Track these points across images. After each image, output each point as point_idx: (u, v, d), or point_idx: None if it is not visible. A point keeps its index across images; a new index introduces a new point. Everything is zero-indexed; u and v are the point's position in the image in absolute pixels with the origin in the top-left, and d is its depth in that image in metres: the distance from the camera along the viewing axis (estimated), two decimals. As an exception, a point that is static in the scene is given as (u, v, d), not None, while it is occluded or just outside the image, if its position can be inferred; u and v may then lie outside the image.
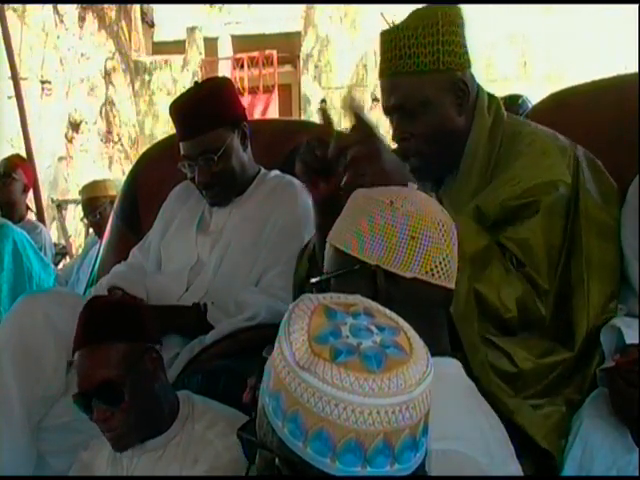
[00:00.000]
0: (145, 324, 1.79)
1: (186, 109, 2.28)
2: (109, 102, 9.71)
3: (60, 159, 8.41)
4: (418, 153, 1.80)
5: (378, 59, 1.88)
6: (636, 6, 6.22)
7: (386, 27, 1.84)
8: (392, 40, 1.78)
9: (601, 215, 1.81)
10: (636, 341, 1.62)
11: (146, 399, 1.72)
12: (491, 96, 1.89)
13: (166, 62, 12.07)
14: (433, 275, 1.30)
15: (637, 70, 2.76)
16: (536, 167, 1.75)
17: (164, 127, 10.76)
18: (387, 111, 1.84)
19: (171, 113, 2.33)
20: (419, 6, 1.85)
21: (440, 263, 1.30)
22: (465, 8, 1.83)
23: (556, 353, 1.70)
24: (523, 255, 1.70)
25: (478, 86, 1.86)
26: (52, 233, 5.85)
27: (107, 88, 9.74)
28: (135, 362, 1.70)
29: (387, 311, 1.04)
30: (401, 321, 1.03)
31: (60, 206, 6.67)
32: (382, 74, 1.84)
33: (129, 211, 2.78)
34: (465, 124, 1.82)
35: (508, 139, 1.81)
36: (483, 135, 1.82)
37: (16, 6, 7.24)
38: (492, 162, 1.80)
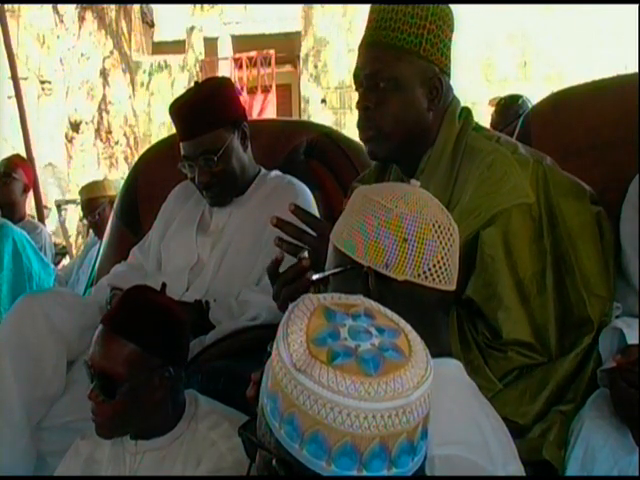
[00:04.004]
0: (175, 343, 1.72)
1: (186, 109, 2.28)
2: (108, 102, 9.70)
3: (59, 159, 8.41)
4: (377, 128, 1.75)
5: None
6: (636, 6, 6.23)
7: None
8: (380, 12, 1.75)
9: (581, 217, 1.74)
10: (637, 341, 1.62)
11: (137, 408, 1.68)
12: (464, 107, 1.83)
13: (166, 62, 12.08)
14: (427, 277, 1.28)
15: (637, 70, 2.77)
16: (496, 194, 1.68)
17: (163, 127, 10.77)
18: (357, 79, 1.80)
19: (171, 113, 2.33)
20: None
21: (435, 265, 1.28)
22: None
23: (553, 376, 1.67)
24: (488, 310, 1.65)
25: (454, 97, 1.81)
26: (52, 233, 5.84)
27: (106, 88, 9.73)
28: (140, 372, 1.65)
29: (389, 312, 1.02)
30: (402, 323, 1.01)
31: (60, 206, 6.67)
32: (362, 43, 1.79)
33: (129, 211, 2.78)
34: (432, 123, 1.77)
35: (469, 154, 1.74)
36: (450, 141, 1.76)
37: (14, 6, 7.23)
38: (453, 175, 1.73)
